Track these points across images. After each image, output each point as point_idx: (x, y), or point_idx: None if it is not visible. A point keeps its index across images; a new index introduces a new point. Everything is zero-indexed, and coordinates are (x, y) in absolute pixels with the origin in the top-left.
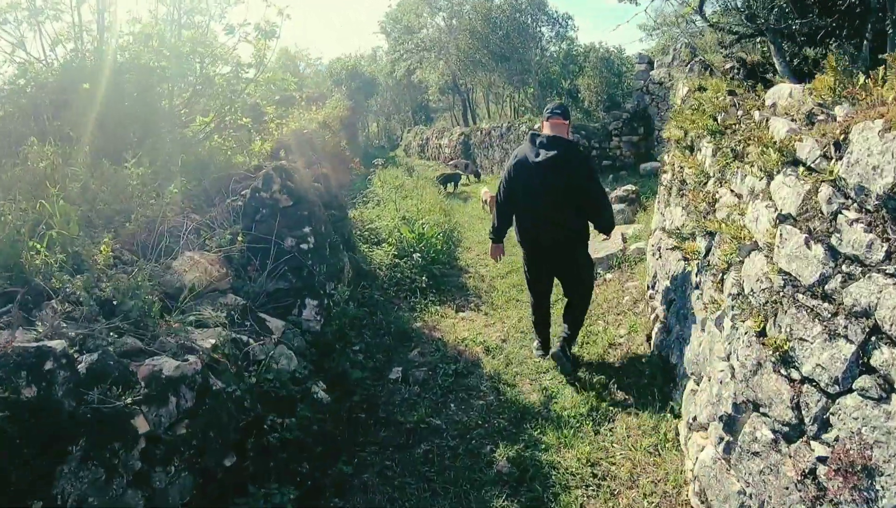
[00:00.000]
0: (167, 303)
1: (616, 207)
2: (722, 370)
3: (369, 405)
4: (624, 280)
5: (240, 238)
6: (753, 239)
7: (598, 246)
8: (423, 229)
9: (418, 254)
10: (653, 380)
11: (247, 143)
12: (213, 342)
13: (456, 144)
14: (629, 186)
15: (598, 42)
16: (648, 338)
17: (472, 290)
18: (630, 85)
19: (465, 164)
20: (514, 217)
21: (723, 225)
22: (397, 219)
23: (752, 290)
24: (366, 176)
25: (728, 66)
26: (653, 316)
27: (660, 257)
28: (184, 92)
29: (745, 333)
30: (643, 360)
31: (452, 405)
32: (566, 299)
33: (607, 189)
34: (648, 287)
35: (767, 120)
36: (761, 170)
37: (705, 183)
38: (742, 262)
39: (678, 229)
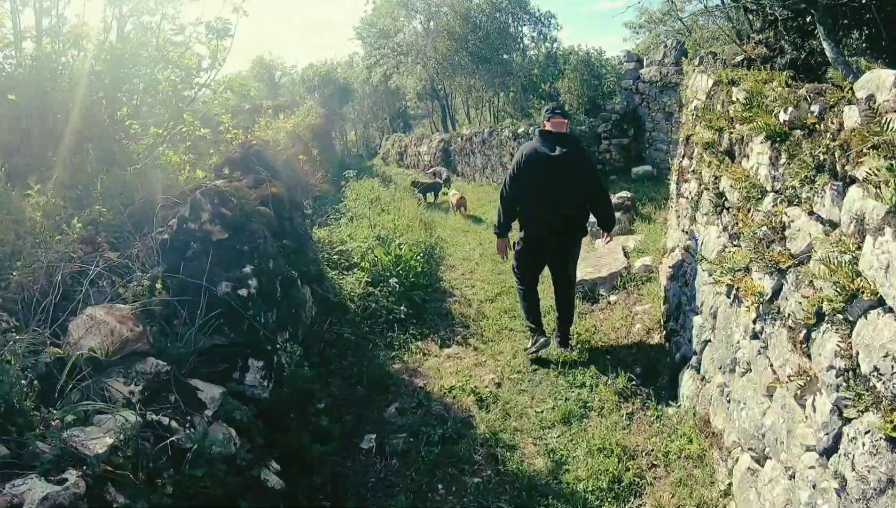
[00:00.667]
0: (52, 385)
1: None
2: (814, 468)
3: (335, 489)
4: (631, 304)
5: (158, 285)
6: (875, 292)
7: (599, 263)
8: (401, 249)
9: (395, 279)
10: (687, 443)
11: (207, 157)
12: (110, 442)
13: (436, 151)
14: (623, 193)
15: (578, 45)
16: (672, 381)
17: (458, 318)
18: (610, 88)
19: (445, 174)
20: (518, 210)
21: (812, 265)
22: (371, 239)
23: (875, 370)
24: (339, 189)
25: (739, 58)
26: (678, 355)
27: (685, 284)
28: (131, 100)
29: (867, 432)
30: (672, 415)
31: (440, 485)
32: (556, 291)
33: None
34: (667, 318)
35: (889, 119)
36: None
37: (760, 199)
38: (853, 323)
39: (719, 254)
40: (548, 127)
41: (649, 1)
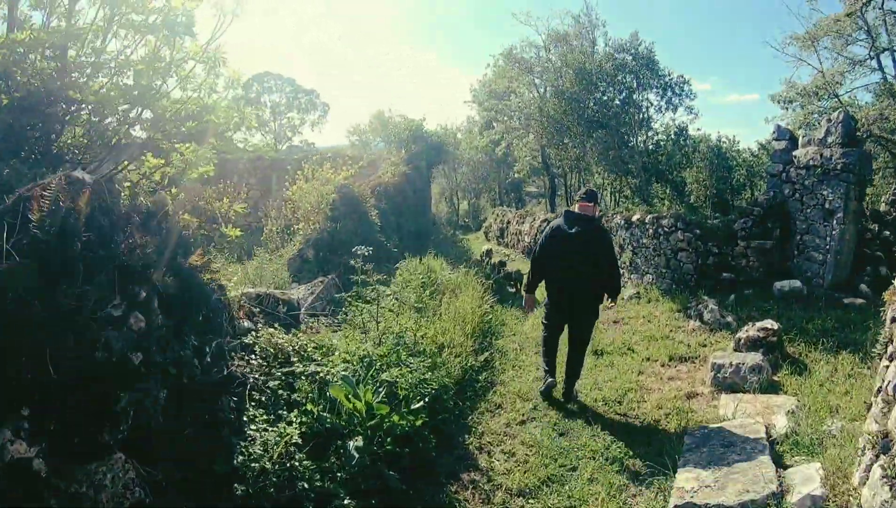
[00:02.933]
0: None
1: (746, 358)
2: None
3: None
4: None
5: None
6: None
7: (728, 472)
8: (380, 392)
9: (359, 441)
10: None
11: None
12: None
13: (538, 231)
14: (767, 323)
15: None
16: None
17: None
18: (740, 182)
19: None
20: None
21: None
22: (356, 358)
23: None
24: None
25: None
26: None
27: None
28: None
29: None
30: None
31: None
32: (570, 349)
33: (729, 317)
34: None
35: None
36: None
37: None
38: None
39: None
40: (574, 208)
41: (798, 76)
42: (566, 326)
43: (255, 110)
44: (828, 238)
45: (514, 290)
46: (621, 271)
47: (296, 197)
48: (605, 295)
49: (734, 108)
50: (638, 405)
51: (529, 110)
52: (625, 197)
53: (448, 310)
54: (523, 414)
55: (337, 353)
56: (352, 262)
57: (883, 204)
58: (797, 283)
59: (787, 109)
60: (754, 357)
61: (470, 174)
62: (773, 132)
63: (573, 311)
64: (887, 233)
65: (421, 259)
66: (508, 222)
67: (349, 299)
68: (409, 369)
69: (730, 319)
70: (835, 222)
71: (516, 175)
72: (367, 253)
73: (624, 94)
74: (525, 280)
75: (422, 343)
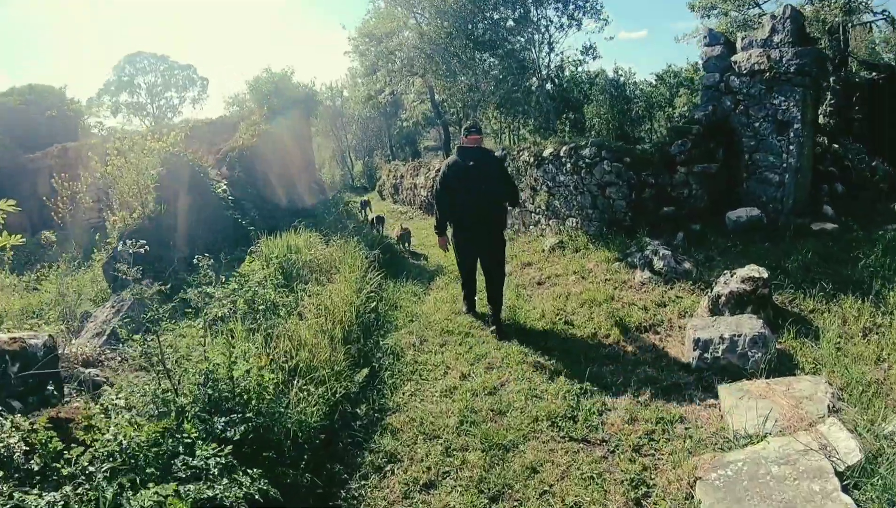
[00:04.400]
0: None
1: (740, 325)
2: None
3: None
4: None
5: None
6: None
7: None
8: None
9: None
10: None
11: None
12: None
13: (435, 183)
14: (752, 271)
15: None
16: None
17: None
18: (639, 113)
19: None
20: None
21: None
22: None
23: None
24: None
25: None
26: None
27: None
28: None
29: None
30: None
31: None
32: (487, 285)
33: (686, 264)
34: None
35: None
36: None
37: None
38: None
39: None
40: (465, 142)
41: None
42: (478, 261)
43: None
44: (784, 155)
45: (405, 254)
46: (538, 218)
47: (114, 178)
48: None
49: (625, 45)
50: (599, 427)
51: (412, 43)
52: (523, 139)
53: (312, 305)
54: (430, 466)
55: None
56: (197, 258)
57: (821, 116)
58: (755, 211)
59: (707, 17)
60: (750, 323)
61: (360, 133)
62: (704, 37)
63: (482, 242)
64: (835, 146)
65: (280, 235)
66: (402, 177)
67: (154, 321)
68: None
69: (688, 265)
70: (791, 134)
71: (404, 124)
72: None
73: (518, 11)
74: (435, 221)
75: (250, 380)
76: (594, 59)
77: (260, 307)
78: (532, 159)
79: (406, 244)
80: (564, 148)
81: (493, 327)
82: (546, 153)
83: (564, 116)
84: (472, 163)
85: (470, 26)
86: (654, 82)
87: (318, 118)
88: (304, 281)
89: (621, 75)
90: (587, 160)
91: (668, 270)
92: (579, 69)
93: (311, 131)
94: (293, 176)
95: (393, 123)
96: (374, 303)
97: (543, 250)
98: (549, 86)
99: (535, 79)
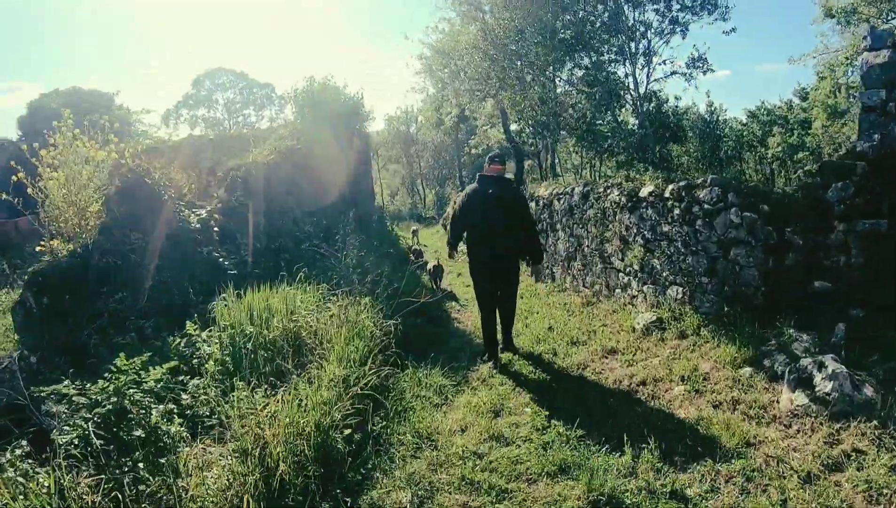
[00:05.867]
0: None
1: None
2: None
3: None
4: None
5: None
6: None
7: None
8: None
9: None
10: None
11: None
12: None
13: (454, 210)
14: None
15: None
16: None
17: None
18: (729, 152)
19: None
20: (464, 236)
21: None
22: None
23: None
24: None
25: None
26: None
27: None
28: None
29: None
30: None
31: None
32: (498, 306)
33: (867, 389)
34: None
35: None
36: None
37: None
38: None
39: None
40: (487, 172)
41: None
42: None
43: None
44: None
45: (436, 292)
46: (627, 280)
47: (54, 197)
48: (531, 263)
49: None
50: None
51: (471, 42)
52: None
53: (241, 426)
54: None
55: None
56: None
57: None
58: None
59: (847, 22)
60: None
61: (432, 160)
62: (865, 38)
63: (498, 273)
64: None
65: (271, 286)
66: None
67: None
68: None
69: (869, 391)
70: None
71: (473, 150)
72: None
73: (609, 8)
74: (447, 245)
75: None
76: (704, 73)
77: (125, 437)
78: (624, 200)
79: (437, 281)
80: (671, 187)
81: (502, 345)
82: (644, 192)
83: (659, 147)
84: (490, 191)
85: (545, 19)
86: (744, 120)
87: (364, 137)
88: (259, 371)
89: (714, 110)
90: (706, 206)
91: (839, 396)
92: (682, 90)
93: (365, 150)
94: (328, 202)
95: (463, 150)
96: (364, 416)
97: (634, 330)
98: (647, 105)
99: (627, 104)
